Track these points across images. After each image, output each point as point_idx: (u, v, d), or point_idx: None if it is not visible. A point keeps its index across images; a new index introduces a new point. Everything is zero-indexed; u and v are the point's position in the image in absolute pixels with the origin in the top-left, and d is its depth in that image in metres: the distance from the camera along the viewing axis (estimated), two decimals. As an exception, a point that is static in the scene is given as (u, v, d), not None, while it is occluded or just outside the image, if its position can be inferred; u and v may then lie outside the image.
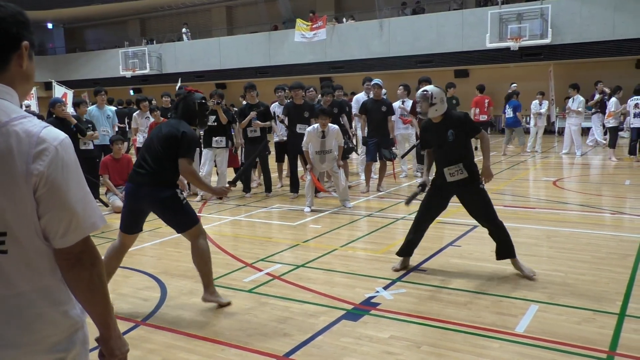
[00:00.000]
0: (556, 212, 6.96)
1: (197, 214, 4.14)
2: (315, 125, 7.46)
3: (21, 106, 1.38)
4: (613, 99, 12.43)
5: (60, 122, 7.19)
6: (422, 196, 4.81)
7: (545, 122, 15.10)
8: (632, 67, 17.77)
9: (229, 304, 4.06)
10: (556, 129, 18.90)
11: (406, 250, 4.76)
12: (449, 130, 4.42)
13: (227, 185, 4.22)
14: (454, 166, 4.43)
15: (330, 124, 7.47)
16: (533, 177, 10.30)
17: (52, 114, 7.21)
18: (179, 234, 4.08)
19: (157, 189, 3.84)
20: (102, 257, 1.53)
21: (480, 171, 4.54)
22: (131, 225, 3.98)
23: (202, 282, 4.05)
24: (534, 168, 11.46)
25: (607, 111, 12.48)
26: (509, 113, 13.44)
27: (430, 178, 4.76)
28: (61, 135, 1.40)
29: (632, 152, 11.65)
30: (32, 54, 1.49)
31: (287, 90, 9.47)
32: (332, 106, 8.58)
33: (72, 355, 1.48)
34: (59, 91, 12.31)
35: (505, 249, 4.52)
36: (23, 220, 1.36)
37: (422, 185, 4.75)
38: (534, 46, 17.45)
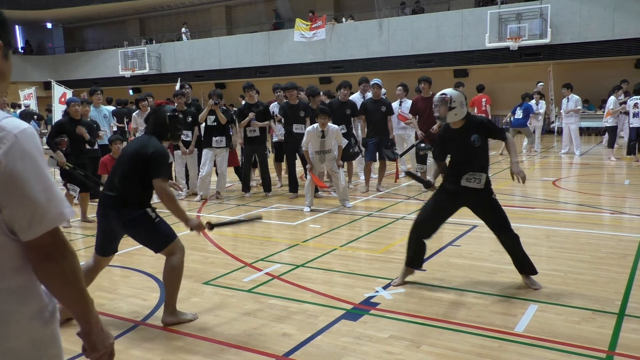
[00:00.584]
0: (555, 212, 6.96)
1: (172, 230, 3.81)
2: (315, 125, 7.45)
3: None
4: (612, 98, 12.42)
5: (74, 123, 7.16)
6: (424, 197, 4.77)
7: (542, 121, 15.09)
8: (632, 66, 17.78)
9: (194, 319, 3.82)
10: (555, 129, 18.90)
11: (416, 261, 4.43)
12: (473, 135, 4.15)
13: (207, 224, 3.86)
14: (474, 174, 4.14)
15: (330, 124, 7.46)
16: (532, 177, 10.31)
17: (67, 113, 7.20)
18: (180, 234, 4.05)
19: (124, 210, 3.66)
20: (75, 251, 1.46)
21: (510, 169, 4.28)
22: (105, 247, 3.86)
23: (164, 301, 3.81)
24: (533, 168, 11.46)
25: (605, 110, 12.44)
26: (519, 114, 13.26)
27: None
28: (23, 124, 1.35)
29: (631, 152, 11.64)
30: (7, 53, 1.47)
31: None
32: (299, 108, 8.54)
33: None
34: (58, 91, 12.29)
35: (525, 263, 4.23)
36: None
37: (427, 183, 4.60)
38: (533, 46, 17.45)
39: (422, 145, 8.37)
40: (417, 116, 8.68)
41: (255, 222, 5.87)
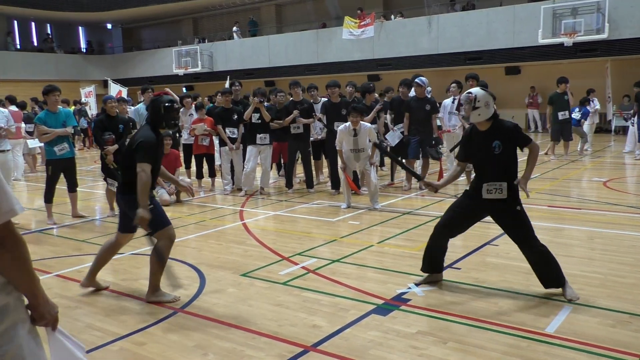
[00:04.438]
0: (602, 214, 6.75)
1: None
2: (347, 124, 7.47)
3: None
4: None
5: (110, 120, 7.50)
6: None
7: (597, 120, 14.55)
8: (697, 62, 16.88)
9: (174, 300, 4.15)
10: (612, 128, 18.19)
11: (431, 265, 4.38)
12: (495, 140, 3.98)
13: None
14: (494, 183, 3.99)
15: (362, 122, 7.45)
16: (583, 178, 10.00)
17: (104, 110, 7.55)
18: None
19: (126, 194, 4.15)
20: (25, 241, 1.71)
21: (518, 184, 4.04)
22: (123, 225, 4.35)
23: (149, 280, 4.22)
24: (585, 168, 11.10)
25: None
26: (576, 115, 12.83)
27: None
28: None
29: None
30: None
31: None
32: (340, 106, 8.58)
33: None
34: (114, 89, 12.85)
35: (548, 277, 4.04)
36: None
37: (418, 177, 4.67)
38: (590, 42, 16.80)
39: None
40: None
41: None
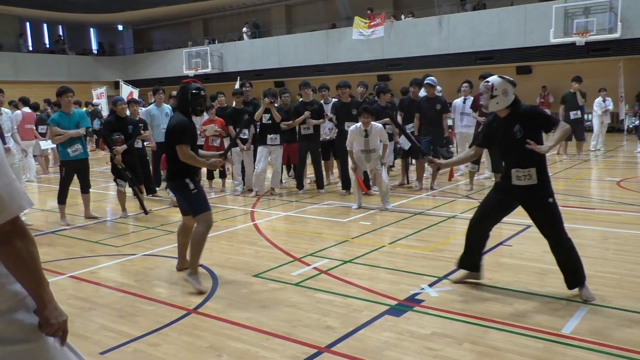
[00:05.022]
0: (616, 214, 6.69)
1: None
2: (358, 124, 7.43)
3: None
4: None
5: (119, 121, 7.56)
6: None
7: (609, 119, 14.41)
8: None
9: (198, 292, 4.36)
10: (625, 127, 18.01)
11: (467, 263, 4.34)
12: (516, 125, 3.93)
13: (220, 157, 4.68)
14: (522, 170, 3.93)
15: (373, 123, 7.40)
16: (595, 177, 9.91)
17: (113, 111, 7.61)
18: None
19: (171, 181, 4.60)
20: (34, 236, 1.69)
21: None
22: (182, 209, 4.84)
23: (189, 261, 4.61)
24: (597, 167, 11.00)
25: None
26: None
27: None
28: None
29: None
30: None
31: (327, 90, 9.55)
32: (351, 106, 8.52)
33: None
34: (125, 90, 12.91)
35: (571, 275, 3.96)
36: None
37: (423, 154, 4.79)
38: (602, 41, 16.64)
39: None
40: (477, 112, 8.61)
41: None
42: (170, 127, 4.47)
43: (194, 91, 4.51)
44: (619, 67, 16.21)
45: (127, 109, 8.32)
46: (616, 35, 16.23)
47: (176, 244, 5.07)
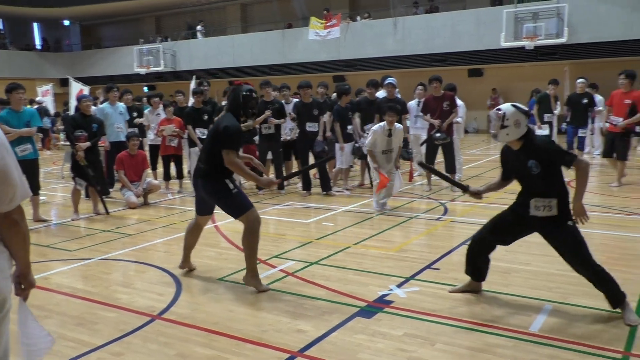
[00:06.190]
0: (571, 213, 6.90)
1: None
2: (382, 124, 7.22)
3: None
4: None
5: (84, 118, 7.32)
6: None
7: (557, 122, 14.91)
8: (650, 67, 17.54)
9: (266, 290, 4.29)
10: (564, 130, 18.68)
11: (476, 274, 4.15)
12: (530, 160, 3.64)
13: (276, 179, 4.51)
14: (542, 199, 3.68)
15: (395, 123, 7.20)
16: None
17: (78, 109, 7.37)
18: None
19: (207, 180, 4.29)
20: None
21: (572, 208, 3.70)
22: (200, 209, 4.60)
23: (246, 264, 4.34)
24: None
25: None
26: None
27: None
28: None
29: None
30: None
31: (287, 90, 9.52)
32: (312, 106, 8.53)
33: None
34: (75, 87, 12.40)
35: (607, 297, 3.70)
36: None
37: (465, 189, 4.17)
38: (550, 45, 17.27)
39: (438, 135, 8.34)
40: (428, 114, 8.68)
41: (323, 163, 7.21)
42: (222, 129, 4.16)
43: (244, 93, 4.31)
44: (564, 70, 16.85)
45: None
46: (563, 40, 16.87)
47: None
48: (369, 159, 7.47)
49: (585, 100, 10.43)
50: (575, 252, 3.68)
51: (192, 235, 4.75)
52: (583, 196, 3.69)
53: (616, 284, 3.67)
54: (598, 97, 12.37)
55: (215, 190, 4.29)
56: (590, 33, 16.79)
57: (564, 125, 11.68)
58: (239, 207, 4.27)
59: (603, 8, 16.66)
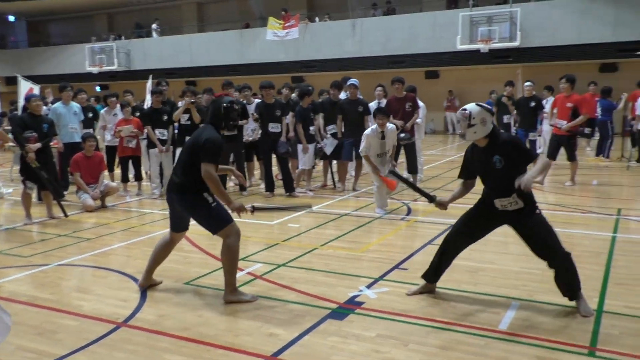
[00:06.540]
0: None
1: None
2: (373, 127, 7.12)
3: None
4: None
5: (33, 118, 7.02)
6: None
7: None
8: (596, 70, 18.27)
9: (253, 300, 4.09)
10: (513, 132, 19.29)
11: (431, 274, 4.18)
12: (495, 155, 3.75)
13: (251, 207, 4.22)
14: (506, 198, 3.77)
15: (387, 124, 7.13)
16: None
17: (26, 109, 7.05)
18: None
19: (183, 195, 4.07)
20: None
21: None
22: (175, 224, 4.33)
23: (224, 280, 4.12)
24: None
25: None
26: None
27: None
28: None
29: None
30: None
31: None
32: (275, 107, 8.49)
33: None
34: (24, 86, 11.88)
35: (563, 285, 3.83)
36: None
37: (432, 199, 4.16)
38: (503, 49, 17.78)
39: (402, 135, 8.42)
40: (390, 116, 8.74)
41: (302, 210, 6.52)
42: (202, 141, 3.95)
43: (225, 105, 4.11)
44: (517, 73, 17.35)
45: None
46: (516, 43, 17.40)
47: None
48: (365, 164, 7.32)
49: (532, 104, 10.73)
50: (544, 239, 3.78)
51: (163, 251, 4.44)
52: (536, 176, 3.75)
53: (577, 277, 3.80)
54: (552, 99, 12.70)
55: (193, 205, 4.07)
56: (542, 37, 17.38)
57: (513, 130, 11.97)
58: (218, 221, 4.05)
59: (554, 13, 17.28)
